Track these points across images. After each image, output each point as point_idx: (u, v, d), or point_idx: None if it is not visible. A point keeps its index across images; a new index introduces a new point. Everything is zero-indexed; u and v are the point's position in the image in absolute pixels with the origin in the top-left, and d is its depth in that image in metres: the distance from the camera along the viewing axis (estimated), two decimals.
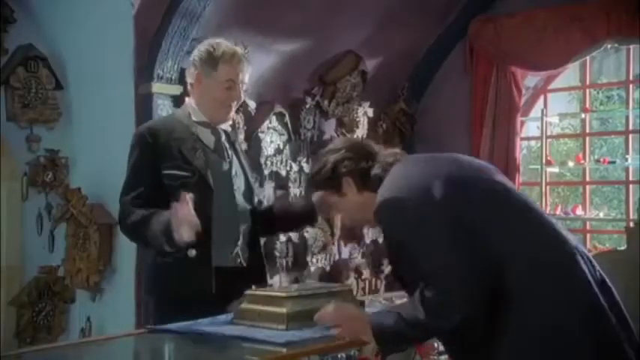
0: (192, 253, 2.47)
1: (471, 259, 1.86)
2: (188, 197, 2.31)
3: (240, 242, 2.61)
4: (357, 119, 5.29)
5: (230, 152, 2.68)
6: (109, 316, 4.21)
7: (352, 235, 5.25)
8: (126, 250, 4.15)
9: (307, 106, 5.09)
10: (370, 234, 5.53)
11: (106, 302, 4.27)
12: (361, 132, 5.34)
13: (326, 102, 5.19)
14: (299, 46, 4.78)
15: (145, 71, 4.09)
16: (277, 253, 4.79)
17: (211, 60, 2.60)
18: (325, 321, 2.01)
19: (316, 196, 2.27)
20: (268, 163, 4.81)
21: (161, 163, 2.53)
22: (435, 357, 2.66)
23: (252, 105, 4.55)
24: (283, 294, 2.18)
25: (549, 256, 1.92)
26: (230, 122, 2.77)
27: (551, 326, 1.84)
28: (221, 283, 2.49)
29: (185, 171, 2.52)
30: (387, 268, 5.12)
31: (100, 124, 4.29)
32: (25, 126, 4.34)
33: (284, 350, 1.88)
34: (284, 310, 2.12)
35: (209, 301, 2.40)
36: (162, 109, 4.11)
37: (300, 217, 2.78)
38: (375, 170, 2.15)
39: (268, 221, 2.75)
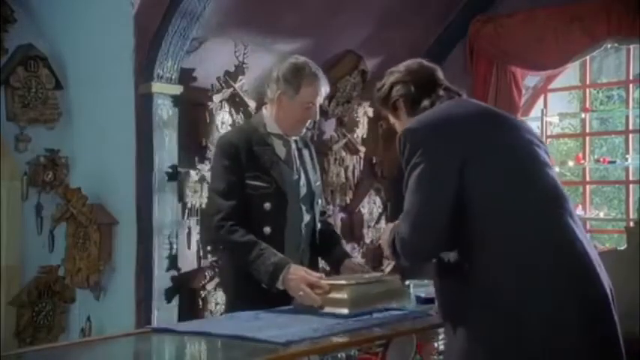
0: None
1: (445, 211, 1.85)
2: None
3: (302, 247, 2.74)
4: (357, 119, 5.30)
5: (298, 162, 2.79)
6: (109, 315, 4.21)
7: None
8: (126, 249, 4.16)
9: None
10: (370, 234, 5.53)
11: (106, 302, 4.26)
12: (361, 132, 5.34)
13: (326, 102, 5.18)
14: (299, 46, 4.77)
15: (145, 71, 4.09)
16: None
17: (295, 82, 2.68)
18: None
19: None
20: None
21: (245, 172, 2.65)
22: (435, 357, 2.66)
23: (252, 105, 4.55)
24: (344, 282, 2.43)
25: (542, 241, 1.89)
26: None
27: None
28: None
29: (264, 182, 2.66)
30: (387, 268, 5.10)
31: (100, 124, 4.29)
32: (25, 126, 4.34)
33: (284, 350, 1.88)
34: (346, 295, 2.33)
35: (274, 296, 2.50)
36: (162, 109, 4.12)
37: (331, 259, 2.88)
38: (424, 101, 2.12)
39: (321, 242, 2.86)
